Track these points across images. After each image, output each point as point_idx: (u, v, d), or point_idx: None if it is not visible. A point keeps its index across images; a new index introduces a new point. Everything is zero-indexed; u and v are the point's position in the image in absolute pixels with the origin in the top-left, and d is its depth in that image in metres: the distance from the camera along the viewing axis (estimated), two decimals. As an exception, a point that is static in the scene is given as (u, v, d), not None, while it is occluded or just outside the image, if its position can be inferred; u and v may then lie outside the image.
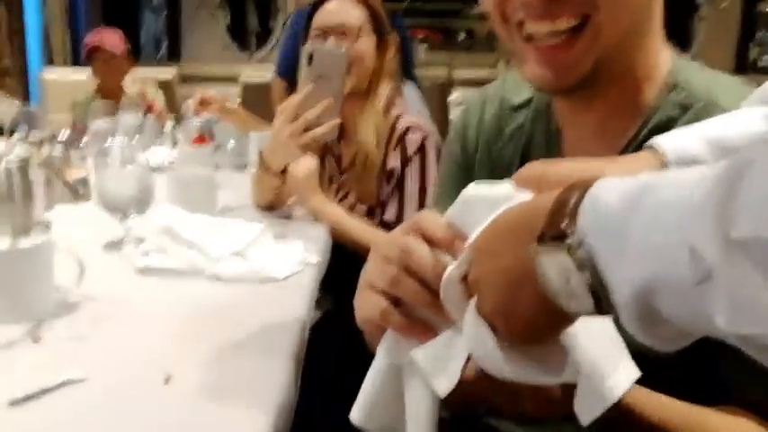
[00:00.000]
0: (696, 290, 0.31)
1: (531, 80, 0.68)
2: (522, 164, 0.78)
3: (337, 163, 1.61)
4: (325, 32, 1.51)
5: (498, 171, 0.80)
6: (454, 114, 3.78)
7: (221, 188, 1.66)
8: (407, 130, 1.49)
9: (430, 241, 0.52)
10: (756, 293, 0.29)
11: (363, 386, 0.57)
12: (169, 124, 2.60)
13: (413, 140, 1.48)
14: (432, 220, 0.53)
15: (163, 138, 2.53)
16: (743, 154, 0.31)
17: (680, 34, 6.21)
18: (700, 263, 0.31)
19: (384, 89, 1.54)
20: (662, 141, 0.56)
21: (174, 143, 2.35)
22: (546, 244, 0.38)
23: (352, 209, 1.53)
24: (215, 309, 0.92)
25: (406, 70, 2.39)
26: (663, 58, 0.70)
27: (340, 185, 1.59)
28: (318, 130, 1.31)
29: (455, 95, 4.22)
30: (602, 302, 0.37)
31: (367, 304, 0.54)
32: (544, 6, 0.62)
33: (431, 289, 0.50)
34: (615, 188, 0.37)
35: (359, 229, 1.43)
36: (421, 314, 0.52)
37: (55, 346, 0.77)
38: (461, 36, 6.22)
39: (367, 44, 1.51)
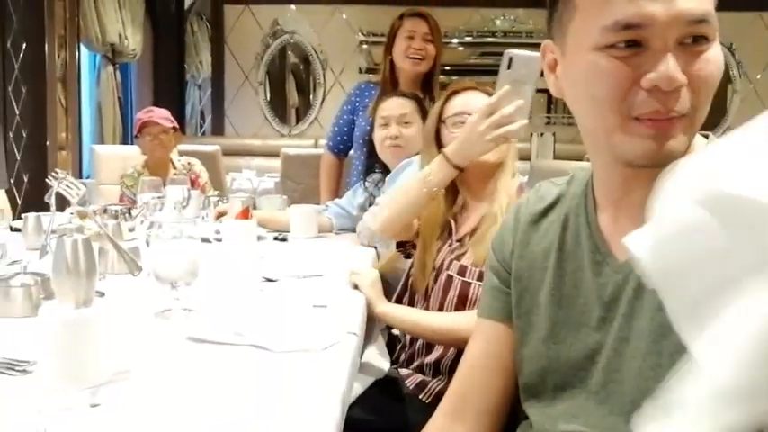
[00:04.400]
0: None
1: (634, 152, 0.72)
2: (560, 250, 0.85)
3: (457, 229, 1.61)
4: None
5: (535, 265, 0.88)
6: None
7: (264, 258, 1.73)
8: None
9: None
10: None
11: None
12: (213, 198, 2.70)
13: None
14: None
15: (207, 210, 2.64)
16: None
17: (716, 106, 6.25)
18: None
19: (513, 159, 1.60)
20: None
21: (218, 216, 2.45)
22: None
23: (463, 272, 1.51)
24: (257, 378, 0.96)
25: None
26: (698, 139, 0.78)
27: (455, 250, 1.57)
28: (512, 127, 1.43)
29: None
30: None
31: None
32: (663, 99, 0.69)
33: None
34: None
35: (434, 321, 1.46)
36: None
37: (112, 411, 0.82)
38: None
39: None
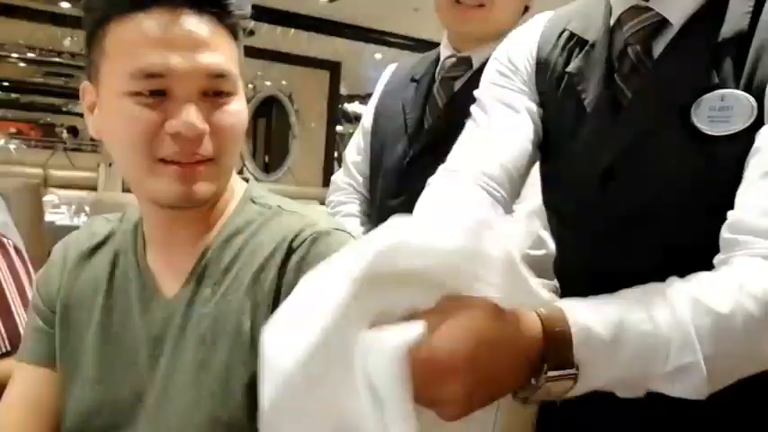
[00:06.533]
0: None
1: (164, 195, 0.75)
2: (109, 288, 0.85)
3: None
4: None
5: (83, 304, 0.86)
6: (50, 218, 3.54)
7: None
8: None
9: None
10: None
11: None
12: None
13: None
14: None
15: None
16: None
17: (279, 150, 6.87)
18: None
19: None
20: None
21: None
22: (553, 372, 0.57)
23: None
24: None
25: None
26: (238, 182, 0.87)
27: None
28: None
29: (50, 197, 3.96)
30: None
31: None
32: (186, 144, 0.74)
33: None
34: (598, 324, 0.58)
35: None
36: None
37: None
38: (63, 134, 5.93)
39: None
